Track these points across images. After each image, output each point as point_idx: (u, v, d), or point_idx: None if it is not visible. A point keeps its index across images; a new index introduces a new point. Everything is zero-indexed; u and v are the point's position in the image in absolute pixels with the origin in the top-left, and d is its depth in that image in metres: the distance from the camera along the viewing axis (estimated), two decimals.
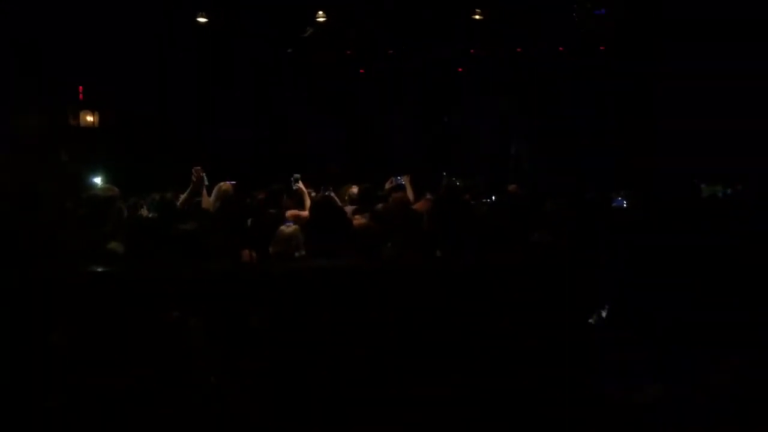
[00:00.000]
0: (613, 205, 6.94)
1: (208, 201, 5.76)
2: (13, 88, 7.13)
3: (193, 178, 5.75)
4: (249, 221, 5.50)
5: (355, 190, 6.65)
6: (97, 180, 7.23)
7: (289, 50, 10.97)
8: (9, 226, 3.21)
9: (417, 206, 6.12)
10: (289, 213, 5.55)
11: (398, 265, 3.77)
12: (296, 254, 3.70)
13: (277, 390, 3.13)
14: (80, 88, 9.41)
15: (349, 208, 5.67)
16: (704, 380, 3.68)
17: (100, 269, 3.51)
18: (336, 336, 3.20)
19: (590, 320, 3.41)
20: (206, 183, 5.95)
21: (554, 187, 7.18)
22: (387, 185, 6.92)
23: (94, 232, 3.99)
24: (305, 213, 5.95)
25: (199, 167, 5.86)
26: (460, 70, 12.33)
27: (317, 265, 3.53)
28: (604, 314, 3.71)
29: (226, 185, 6.17)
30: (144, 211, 5.96)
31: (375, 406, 3.13)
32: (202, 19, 9.55)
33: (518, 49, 11.52)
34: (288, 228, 3.98)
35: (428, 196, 6.24)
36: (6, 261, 3.22)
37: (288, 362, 3.17)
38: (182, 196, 5.84)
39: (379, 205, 5.89)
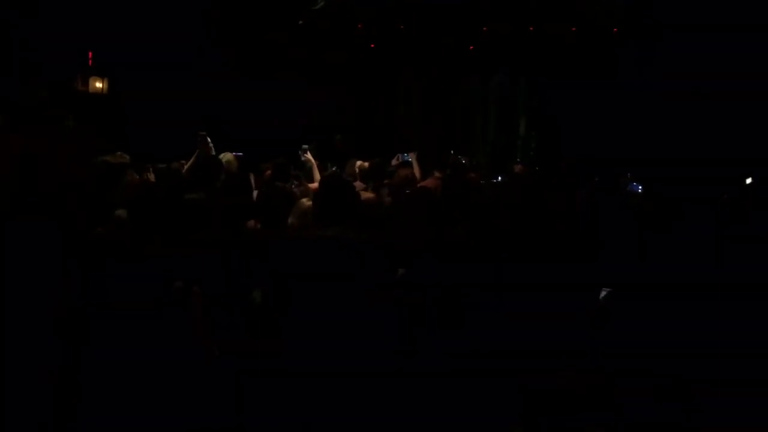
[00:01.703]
0: (628, 189, 6.89)
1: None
2: (18, 53, 7.07)
3: (199, 146, 5.75)
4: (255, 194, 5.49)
5: (366, 165, 6.62)
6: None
7: (300, 22, 10.87)
8: (15, 192, 3.20)
9: (424, 184, 6.10)
10: (297, 189, 5.53)
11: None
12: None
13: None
14: (90, 53, 9.33)
15: (357, 184, 5.65)
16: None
17: (105, 235, 3.51)
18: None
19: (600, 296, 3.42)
20: (213, 152, 5.95)
21: (563, 168, 7.14)
22: (393, 162, 6.90)
23: (103, 198, 3.98)
24: (314, 185, 5.94)
25: (204, 133, 5.86)
26: (471, 48, 12.22)
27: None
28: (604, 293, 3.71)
29: (229, 156, 6.16)
30: (151, 176, 5.94)
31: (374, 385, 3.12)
32: None
33: (530, 28, 11.41)
34: (308, 201, 3.98)
35: (436, 174, 6.23)
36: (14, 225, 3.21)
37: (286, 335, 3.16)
38: (187, 164, 5.83)
39: (385, 182, 5.88)
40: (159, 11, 8.72)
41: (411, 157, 6.97)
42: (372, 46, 11.99)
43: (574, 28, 11.49)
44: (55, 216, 3.04)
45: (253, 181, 6.20)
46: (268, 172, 6.40)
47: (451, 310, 3.33)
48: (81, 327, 3.01)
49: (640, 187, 6.99)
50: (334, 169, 7.61)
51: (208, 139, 5.88)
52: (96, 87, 9.27)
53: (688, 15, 9.45)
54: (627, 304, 3.74)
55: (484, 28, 11.52)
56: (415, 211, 4.09)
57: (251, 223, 4.65)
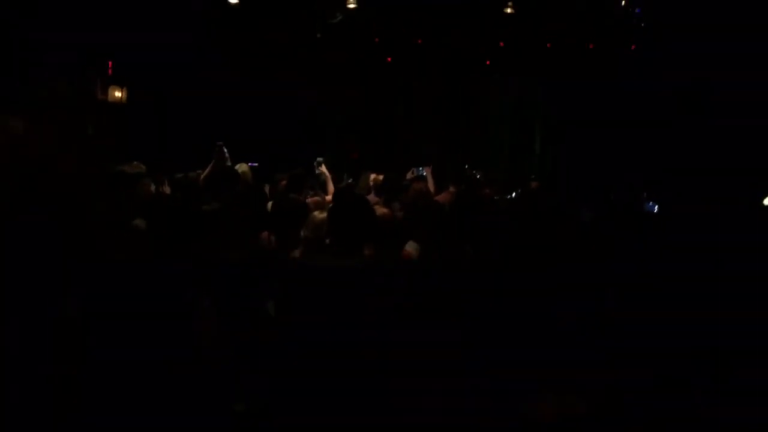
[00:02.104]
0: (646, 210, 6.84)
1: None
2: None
3: (215, 156, 5.82)
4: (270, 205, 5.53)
5: (380, 178, 6.65)
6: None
7: (318, 35, 10.93)
8: (15, 192, 3.21)
9: (439, 198, 6.11)
10: (311, 200, 5.57)
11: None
12: (327, 241, 3.71)
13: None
14: (110, 63, 9.40)
15: (371, 197, 5.67)
16: None
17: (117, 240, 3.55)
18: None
19: None
20: (229, 162, 6.01)
21: (580, 185, 7.12)
22: (408, 176, 6.92)
23: (119, 208, 4.03)
24: (329, 198, 5.98)
25: (221, 143, 5.92)
26: (488, 63, 12.24)
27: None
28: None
29: (244, 167, 6.22)
30: (167, 189, 6.01)
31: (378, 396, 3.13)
32: (233, 0, 9.56)
33: (548, 45, 11.40)
34: (321, 214, 4.00)
35: (451, 188, 6.24)
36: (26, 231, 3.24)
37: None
38: (203, 174, 5.90)
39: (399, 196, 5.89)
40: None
41: (426, 171, 6.99)
42: (389, 59, 12.04)
43: (592, 45, 11.45)
44: (56, 216, 3.05)
45: (267, 191, 6.26)
46: (283, 182, 6.45)
47: (451, 316, 3.34)
48: (82, 330, 3.03)
49: (656, 207, 6.94)
50: (350, 181, 7.65)
51: (225, 150, 5.94)
52: (115, 96, 9.36)
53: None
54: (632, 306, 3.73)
55: (501, 44, 11.50)
56: (425, 226, 4.10)
57: (265, 234, 4.68)
